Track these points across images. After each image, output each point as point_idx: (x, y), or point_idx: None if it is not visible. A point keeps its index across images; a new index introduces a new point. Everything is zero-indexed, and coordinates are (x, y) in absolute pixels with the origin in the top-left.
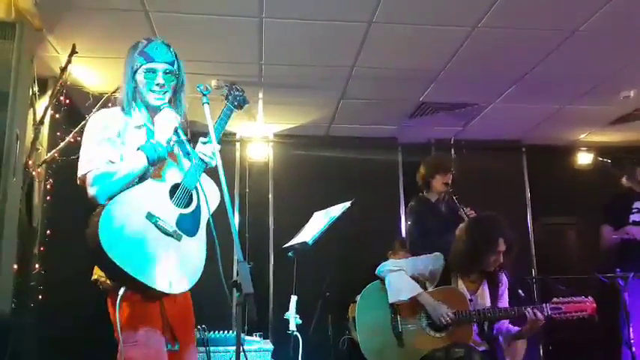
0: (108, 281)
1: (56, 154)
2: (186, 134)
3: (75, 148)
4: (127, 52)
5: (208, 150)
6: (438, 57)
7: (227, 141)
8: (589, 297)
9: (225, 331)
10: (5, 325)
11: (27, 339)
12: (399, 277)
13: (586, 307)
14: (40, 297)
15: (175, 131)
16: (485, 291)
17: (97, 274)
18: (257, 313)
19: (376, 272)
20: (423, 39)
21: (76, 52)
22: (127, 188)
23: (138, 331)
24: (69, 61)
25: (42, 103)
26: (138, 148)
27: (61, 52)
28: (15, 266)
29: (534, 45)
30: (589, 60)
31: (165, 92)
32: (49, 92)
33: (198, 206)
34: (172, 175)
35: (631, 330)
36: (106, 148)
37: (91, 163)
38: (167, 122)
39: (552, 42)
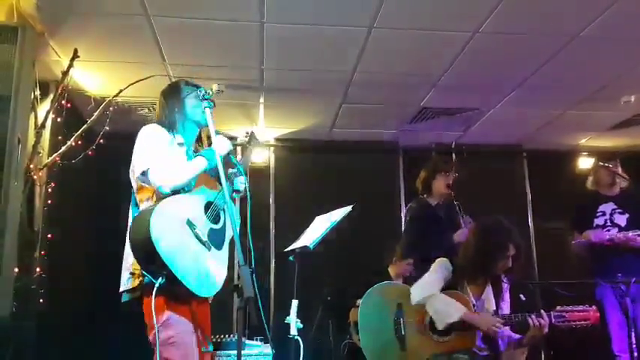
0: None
1: (57, 158)
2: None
3: (76, 151)
4: (168, 89)
5: (241, 181)
6: (439, 62)
7: None
8: (592, 306)
9: (227, 336)
10: (6, 328)
11: (27, 342)
12: (441, 300)
13: (589, 317)
14: (41, 300)
15: (228, 154)
16: (489, 294)
17: (135, 266)
18: (257, 317)
19: (414, 302)
20: (424, 44)
21: (78, 56)
22: (171, 195)
23: (175, 331)
24: (71, 65)
25: (43, 107)
26: (198, 154)
27: (63, 56)
28: (16, 269)
29: (535, 50)
30: (590, 65)
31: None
32: (51, 96)
33: (224, 224)
34: (203, 194)
35: (632, 335)
36: (164, 149)
37: (154, 160)
38: (225, 143)
39: (553, 47)
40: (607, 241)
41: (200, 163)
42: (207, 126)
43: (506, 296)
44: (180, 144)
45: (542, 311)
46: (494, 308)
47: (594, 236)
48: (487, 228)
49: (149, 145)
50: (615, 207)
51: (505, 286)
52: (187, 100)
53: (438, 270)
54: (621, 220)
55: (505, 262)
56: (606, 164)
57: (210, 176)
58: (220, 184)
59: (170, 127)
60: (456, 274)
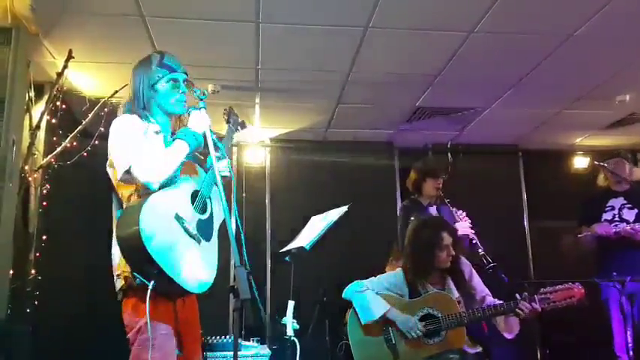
0: (131, 277)
1: (52, 159)
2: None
3: (71, 152)
4: (139, 66)
5: (223, 165)
6: (435, 61)
7: None
8: (576, 283)
9: (223, 337)
10: (1, 330)
11: (22, 344)
12: (367, 297)
13: (574, 293)
14: (36, 302)
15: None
16: (451, 286)
17: (122, 268)
18: (254, 319)
19: (342, 296)
20: (419, 44)
21: (73, 57)
22: (158, 190)
23: (155, 333)
24: (65, 66)
25: (38, 108)
26: (175, 138)
27: (58, 57)
28: (11, 271)
29: (530, 50)
30: (584, 64)
31: (186, 100)
32: (46, 97)
33: (212, 213)
34: (188, 183)
35: (629, 334)
36: (141, 142)
37: (134, 155)
38: (202, 118)
39: (548, 47)
40: (613, 234)
41: (181, 148)
42: (182, 115)
43: (474, 275)
44: (157, 132)
45: (527, 302)
46: (457, 296)
47: (599, 229)
48: (415, 227)
49: (125, 140)
50: (625, 202)
51: (467, 266)
52: (159, 86)
53: (385, 276)
54: (630, 215)
55: (446, 251)
56: (601, 164)
57: (193, 162)
58: (201, 167)
59: (143, 115)
60: (411, 280)
